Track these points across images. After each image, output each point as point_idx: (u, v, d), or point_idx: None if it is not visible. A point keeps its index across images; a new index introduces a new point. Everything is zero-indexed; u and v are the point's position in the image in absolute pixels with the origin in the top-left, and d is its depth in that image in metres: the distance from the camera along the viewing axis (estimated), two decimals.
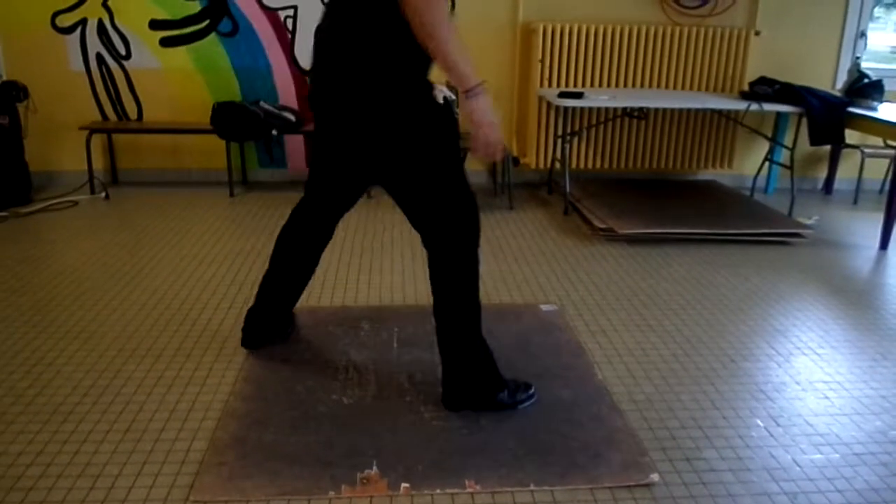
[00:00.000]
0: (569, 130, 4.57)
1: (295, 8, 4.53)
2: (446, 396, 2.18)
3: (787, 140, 4.66)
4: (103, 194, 4.43)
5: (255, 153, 4.84)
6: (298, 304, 2.90)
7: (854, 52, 4.82)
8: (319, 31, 2.01)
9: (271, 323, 2.52)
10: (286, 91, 4.69)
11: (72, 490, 1.78)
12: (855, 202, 4.81)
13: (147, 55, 4.55)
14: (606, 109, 4.72)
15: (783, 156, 4.76)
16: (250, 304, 2.57)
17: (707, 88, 4.77)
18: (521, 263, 3.42)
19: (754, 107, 4.17)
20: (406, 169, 2.01)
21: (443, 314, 2.12)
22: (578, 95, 4.14)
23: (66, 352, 2.47)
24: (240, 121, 4.32)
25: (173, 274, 3.20)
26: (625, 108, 4.63)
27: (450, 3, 1.87)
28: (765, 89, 4.31)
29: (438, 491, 1.81)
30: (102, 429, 2.04)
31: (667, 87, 4.75)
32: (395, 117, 1.95)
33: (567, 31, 4.54)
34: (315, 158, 2.27)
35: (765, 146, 4.87)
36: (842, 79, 4.75)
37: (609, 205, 4.24)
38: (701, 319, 2.87)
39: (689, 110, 4.78)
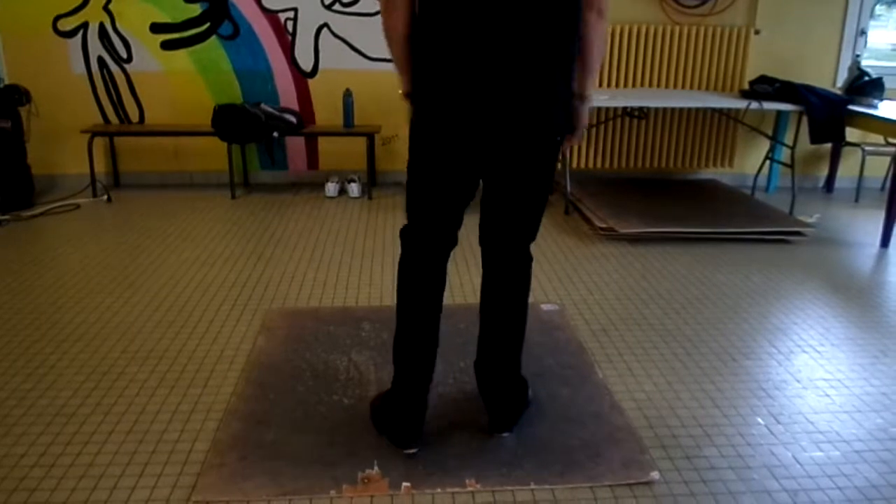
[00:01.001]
0: None
1: (295, 10, 4.54)
2: (509, 417, 2.08)
3: (788, 138, 4.66)
4: (105, 197, 4.44)
5: (256, 155, 4.85)
6: (301, 306, 2.92)
7: (854, 50, 4.82)
8: (491, 43, 1.74)
9: (422, 400, 2.02)
10: (287, 93, 4.70)
11: (75, 491, 1.79)
12: (856, 200, 4.81)
13: (148, 58, 4.57)
14: (607, 109, 4.72)
15: (784, 154, 4.76)
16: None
17: (707, 87, 4.77)
18: None
19: (754, 105, 4.17)
20: (550, 163, 1.95)
21: (518, 325, 2.08)
22: None
23: (68, 354, 2.48)
24: (241, 123, 4.33)
25: (175, 276, 3.21)
26: (625, 108, 4.63)
27: None
28: (765, 88, 4.31)
29: (439, 490, 1.82)
30: (105, 430, 2.05)
31: (667, 86, 4.75)
32: (568, 113, 1.92)
33: None
34: (446, 169, 1.91)
35: (765, 145, 4.87)
36: (842, 77, 4.75)
37: (610, 204, 4.24)
38: (701, 318, 2.87)
39: (689, 109, 4.78)
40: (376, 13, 4.56)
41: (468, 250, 3.57)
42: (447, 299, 3.02)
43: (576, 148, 4.78)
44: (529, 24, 1.73)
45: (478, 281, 3.18)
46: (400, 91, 1.95)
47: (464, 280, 3.17)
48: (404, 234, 2.01)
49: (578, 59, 1.85)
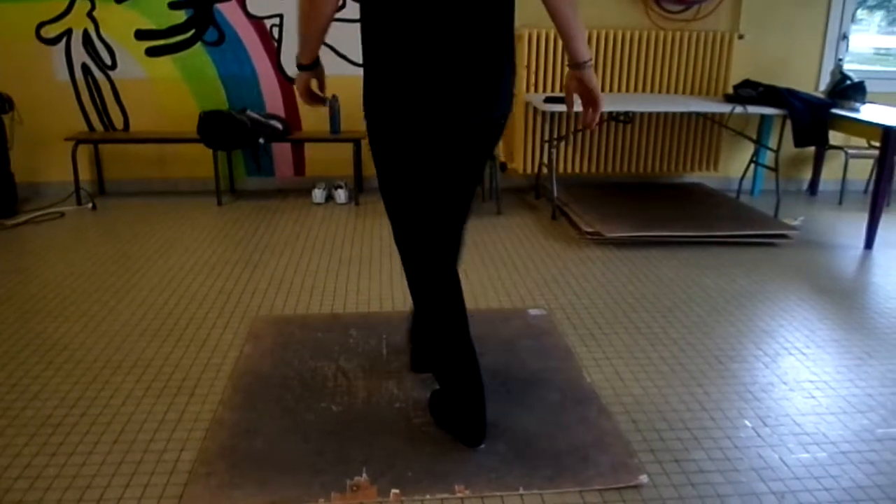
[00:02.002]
0: (555, 135, 4.60)
1: (280, 16, 4.54)
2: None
3: (772, 142, 4.70)
4: (90, 205, 4.41)
5: (242, 162, 4.83)
6: (288, 313, 2.91)
7: (837, 55, 4.87)
8: (437, 36, 1.80)
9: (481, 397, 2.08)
10: (273, 99, 4.69)
11: (60, 502, 1.77)
12: (840, 203, 4.85)
13: (133, 65, 4.55)
14: None
15: (768, 158, 4.80)
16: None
17: (692, 92, 4.81)
18: (509, 268, 3.43)
19: (738, 109, 4.20)
20: (492, 143, 2.05)
21: None
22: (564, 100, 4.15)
23: (53, 364, 2.46)
24: (226, 129, 4.32)
25: (161, 284, 3.19)
26: (611, 113, 4.66)
27: None
28: (749, 92, 4.34)
29: (428, 496, 1.81)
30: (91, 441, 2.03)
31: (652, 91, 4.78)
32: (510, 94, 2.00)
33: (552, 37, 4.57)
34: (431, 175, 1.96)
35: (750, 148, 4.91)
36: (825, 81, 4.80)
37: (596, 208, 4.26)
38: (688, 321, 2.88)
39: (674, 114, 4.81)
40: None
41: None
42: None
43: (562, 152, 4.80)
44: (472, 14, 1.80)
45: (469, 284, 3.18)
46: (297, 60, 1.99)
47: None
48: (401, 244, 2.04)
49: (558, 32, 1.89)
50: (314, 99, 2.08)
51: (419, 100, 1.84)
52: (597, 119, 1.99)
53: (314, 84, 2.06)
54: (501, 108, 1.95)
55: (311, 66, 2.00)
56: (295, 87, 2.06)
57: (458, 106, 1.86)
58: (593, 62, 1.97)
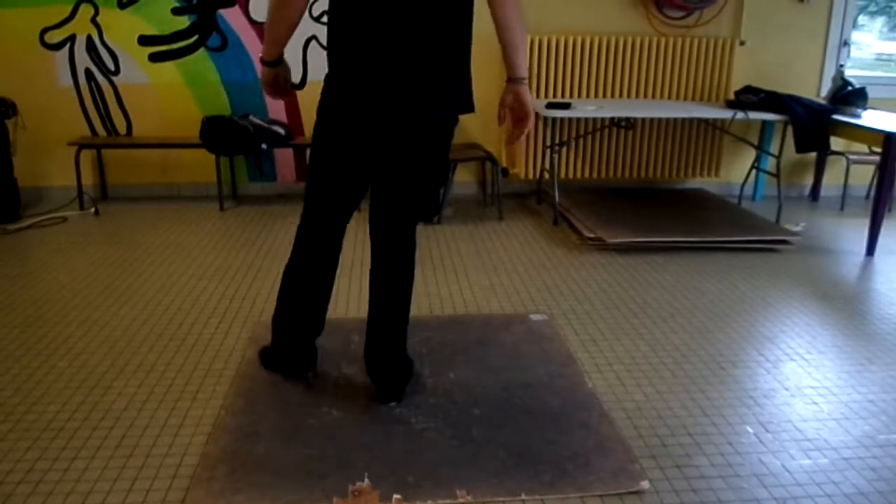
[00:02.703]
0: (557, 141, 4.60)
1: None
2: (397, 389, 2.29)
3: (773, 148, 4.71)
4: (93, 210, 4.42)
5: (244, 167, 4.84)
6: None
7: (838, 61, 4.87)
8: (398, 34, 1.90)
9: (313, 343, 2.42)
10: (275, 105, 4.70)
11: None
12: (841, 208, 4.85)
13: (136, 70, 4.56)
14: (594, 119, 4.75)
15: (770, 163, 4.80)
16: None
17: (693, 98, 4.81)
18: (511, 273, 3.43)
19: (740, 115, 4.21)
20: (444, 141, 2.13)
21: (402, 308, 2.28)
22: (566, 106, 4.17)
23: (55, 368, 2.47)
24: (229, 135, 4.33)
25: (163, 289, 3.20)
26: (612, 118, 4.67)
27: None
28: (750, 98, 4.35)
29: (430, 502, 1.81)
30: (93, 445, 2.03)
31: (653, 96, 4.79)
32: (466, 94, 2.06)
33: (554, 42, 4.58)
34: (345, 158, 2.09)
35: (751, 154, 4.92)
36: (826, 86, 4.80)
37: (598, 214, 4.26)
38: (690, 327, 2.88)
39: (675, 120, 4.82)
40: None
41: (449, 262, 3.58)
42: (428, 310, 3.03)
43: (564, 158, 4.81)
44: (432, 13, 1.89)
45: (458, 294, 3.19)
46: (261, 56, 2.11)
47: (443, 292, 3.18)
48: (308, 200, 2.22)
49: (500, 40, 1.96)
50: (278, 92, 2.18)
51: (378, 90, 1.92)
52: (523, 135, 2.06)
53: (280, 79, 2.16)
54: (462, 106, 2.03)
55: (276, 63, 2.10)
56: (260, 79, 2.17)
57: (416, 99, 1.94)
58: (527, 80, 2.06)
